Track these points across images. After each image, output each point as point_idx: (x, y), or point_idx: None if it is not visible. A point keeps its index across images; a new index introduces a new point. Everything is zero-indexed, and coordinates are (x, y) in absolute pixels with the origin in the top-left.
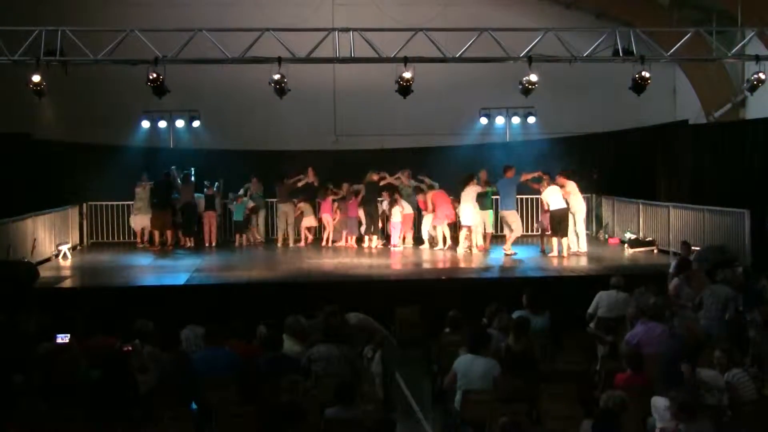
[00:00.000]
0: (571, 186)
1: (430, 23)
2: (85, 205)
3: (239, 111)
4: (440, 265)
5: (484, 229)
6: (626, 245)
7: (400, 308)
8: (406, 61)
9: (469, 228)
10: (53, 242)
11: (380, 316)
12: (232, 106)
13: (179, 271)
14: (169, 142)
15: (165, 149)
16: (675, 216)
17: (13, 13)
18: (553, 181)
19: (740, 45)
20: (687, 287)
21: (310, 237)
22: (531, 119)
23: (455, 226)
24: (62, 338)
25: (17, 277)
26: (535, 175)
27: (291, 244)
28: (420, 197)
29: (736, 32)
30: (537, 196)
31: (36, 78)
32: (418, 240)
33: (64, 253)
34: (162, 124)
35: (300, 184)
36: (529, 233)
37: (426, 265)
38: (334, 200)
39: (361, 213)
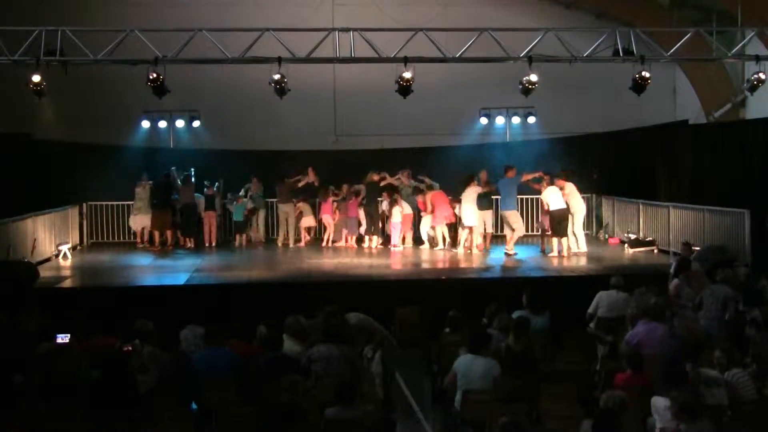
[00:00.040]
0: (570, 188)
1: (430, 23)
2: (85, 205)
3: (239, 111)
4: (440, 265)
5: (484, 229)
6: (626, 245)
7: (400, 308)
8: (406, 61)
9: (470, 228)
10: (53, 242)
11: (380, 316)
12: (232, 106)
13: (179, 271)
14: (169, 142)
15: (165, 149)
16: (675, 216)
17: (13, 13)
18: (552, 182)
19: (740, 45)
20: (687, 287)
21: (308, 237)
22: (531, 119)
23: (454, 227)
24: (62, 338)
25: (17, 277)
26: (536, 175)
27: (291, 244)
28: (419, 198)
29: (736, 32)
30: (537, 196)
31: (36, 78)
32: (417, 240)
33: (64, 253)
34: (162, 124)
35: (300, 184)
36: (530, 233)
37: (426, 265)
38: (334, 201)
39: (361, 213)
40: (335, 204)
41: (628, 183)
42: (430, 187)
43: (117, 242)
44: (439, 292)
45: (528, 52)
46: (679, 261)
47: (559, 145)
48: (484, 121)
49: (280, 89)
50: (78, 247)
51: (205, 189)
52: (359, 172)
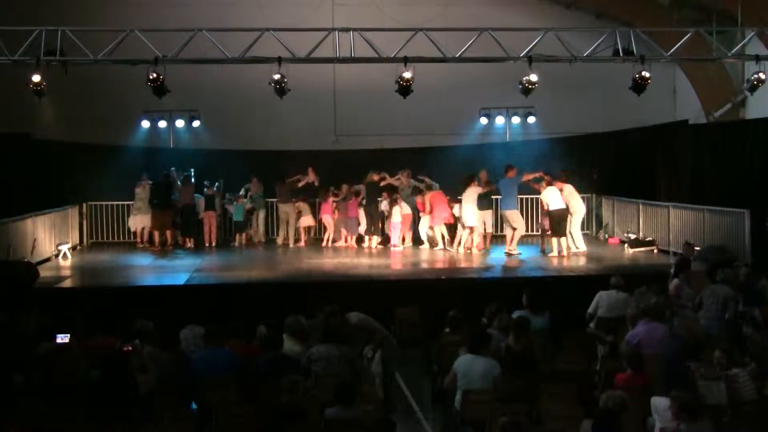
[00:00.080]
0: (569, 189)
1: (430, 23)
2: (85, 205)
3: (239, 111)
4: (440, 265)
5: (484, 230)
6: (626, 245)
7: (400, 308)
8: (406, 61)
9: (471, 229)
10: (53, 242)
11: (380, 316)
12: (232, 106)
13: (179, 271)
14: (169, 142)
15: (165, 149)
16: (675, 216)
17: (13, 13)
18: (552, 182)
19: (740, 45)
20: (687, 287)
21: (305, 237)
22: (531, 119)
23: (453, 228)
24: (62, 338)
25: (17, 277)
26: (537, 175)
27: (291, 245)
28: (418, 198)
29: (736, 32)
30: (537, 196)
31: (36, 78)
32: (417, 240)
33: (64, 253)
34: (162, 124)
35: (301, 184)
36: (530, 233)
37: (426, 265)
38: (333, 201)
39: (361, 213)
40: (335, 204)
41: (628, 183)
42: (430, 188)
43: (117, 242)
44: (439, 292)
45: (528, 52)
46: (679, 261)
47: (559, 145)
48: (484, 121)
49: (280, 89)
50: (78, 247)
51: (205, 189)
52: (359, 172)
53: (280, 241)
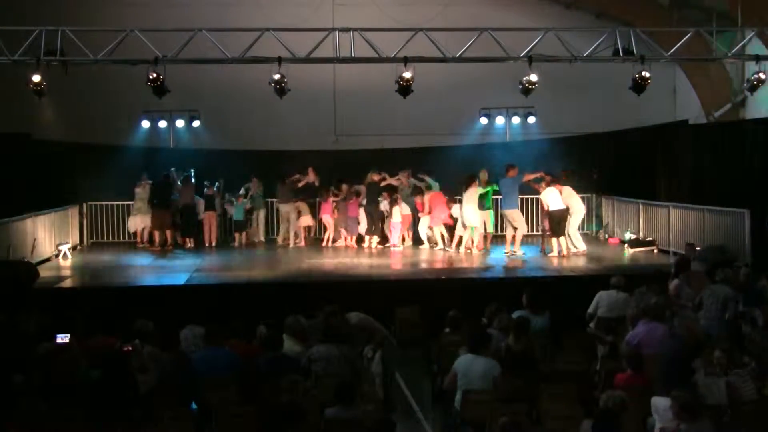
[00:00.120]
0: (568, 190)
1: (430, 23)
2: (85, 205)
3: (239, 111)
4: (440, 265)
5: (484, 230)
6: (626, 245)
7: (400, 308)
8: (406, 61)
9: (473, 228)
10: (53, 242)
11: (380, 316)
12: (232, 106)
13: (179, 271)
14: (169, 142)
15: (165, 149)
16: (675, 216)
17: (13, 13)
18: (552, 183)
19: (740, 45)
20: (687, 287)
21: (305, 236)
22: (531, 119)
23: (452, 228)
24: (62, 338)
25: (17, 277)
26: (537, 175)
27: (291, 244)
28: (417, 199)
29: (736, 32)
30: (538, 197)
31: (36, 78)
32: (417, 240)
33: (64, 253)
34: (162, 124)
35: (301, 184)
36: (530, 233)
37: (426, 265)
38: (333, 201)
39: (361, 213)
40: (335, 204)
41: (628, 183)
42: (429, 188)
43: (117, 242)
44: (439, 292)
45: (528, 52)
46: (679, 261)
47: (559, 145)
48: (484, 121)
49: (280, 89)
50: (78, 247)
51: (205, 189)
52: (359, 172)
53: (280, 241)
